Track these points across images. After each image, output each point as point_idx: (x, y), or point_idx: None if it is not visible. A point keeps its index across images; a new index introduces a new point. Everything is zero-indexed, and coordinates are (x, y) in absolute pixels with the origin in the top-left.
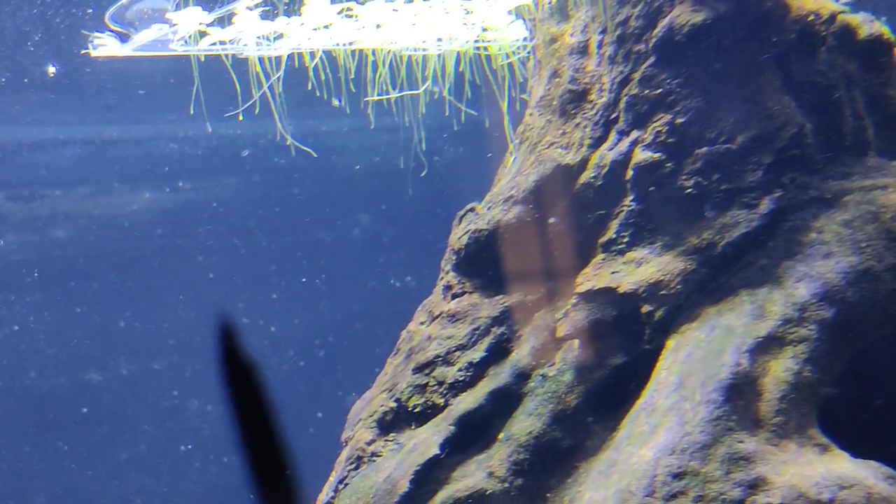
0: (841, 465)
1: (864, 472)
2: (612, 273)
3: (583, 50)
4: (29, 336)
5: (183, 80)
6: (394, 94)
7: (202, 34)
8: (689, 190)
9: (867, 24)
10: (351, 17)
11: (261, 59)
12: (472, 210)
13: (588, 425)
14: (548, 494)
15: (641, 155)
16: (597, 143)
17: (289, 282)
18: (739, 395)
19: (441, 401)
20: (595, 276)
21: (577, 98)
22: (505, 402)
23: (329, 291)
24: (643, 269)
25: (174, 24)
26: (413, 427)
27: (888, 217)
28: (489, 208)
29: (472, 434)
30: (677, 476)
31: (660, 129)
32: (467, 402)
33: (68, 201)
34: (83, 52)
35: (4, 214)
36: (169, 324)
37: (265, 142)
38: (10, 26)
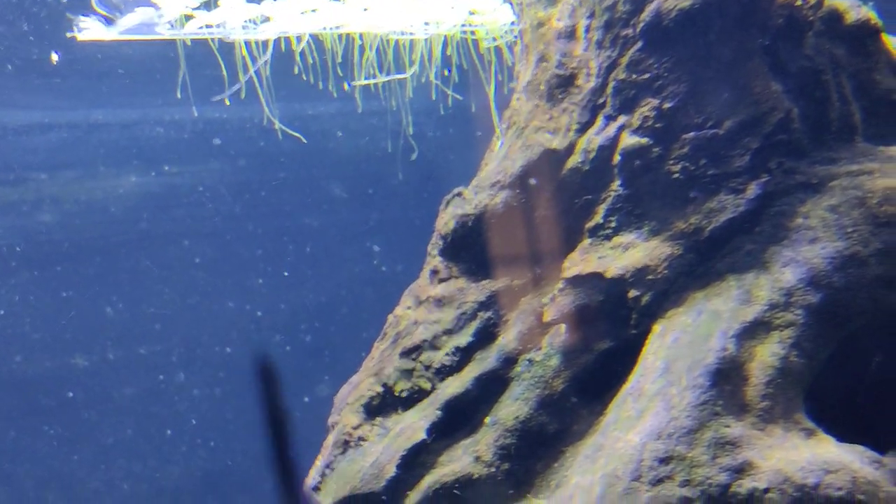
0: (827, 450)
1: (850, 457)
2: (599, 258)
3: (570, 34)
4: (14, 320)
5: (169, 63)
6: (381, 79)
7: (188, 18)
8: (676, 175)
9: (854, 9)
10: (338, 0)
11: (247, 43)
12: (459, 195)
13: (575, 410)
14: (534, 479)
15: (629, 140)
16: (584, 127)
17: (275, 266)
18: (726, 380)
19: (428, 385)
20: (582, 260)
21: (565, 83)
22: (492, 386)
23: (315, 276)
24: (630, 253)
25: (160, 8)
26: (400, 411)
27: (874, 202)
28: (476, 193)
29: (459, 419)
30: (664, 461)
31: (647, 113)
32: (454, 386)
33: (54, 185)
34: (69, 35)
35: None
36: (155, 308)
37: (252, 126)
38: None
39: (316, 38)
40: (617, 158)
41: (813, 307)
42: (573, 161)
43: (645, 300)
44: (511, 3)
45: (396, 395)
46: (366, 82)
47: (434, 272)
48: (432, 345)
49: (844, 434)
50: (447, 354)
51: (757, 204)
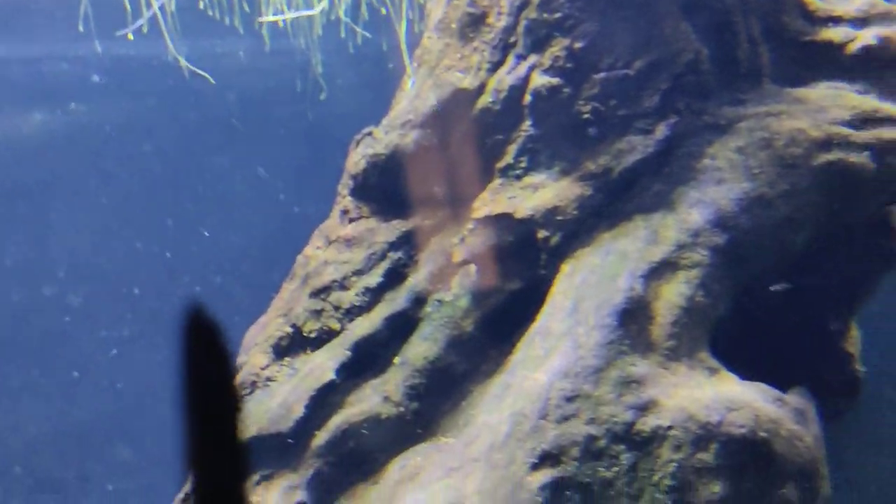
0: (730, 388)
1: (753, 395)
2: (510, 198)
3: None
4: None
5: None
6: (289, 15)
7: None
8: (586, 115)
9: None
10: None
11: None
12: (369, 134)
13: (484, 350)
14: (443, 419)
15: (539, 80)
16: (495, 67)
17: (184, 207)
18: (632, 320)
19: (337, 326)
20: (492, 201)
21: (476, 21)
22: (401, 326)
23: (226, 217)
24: (540, 194)
25: None
26: (309, 352)
27: (781, 144)
28: (387, 133)
29: (368, 359)
30: (570, 399)
31: (558, 53)
32: (363, 327)
33: None
34: None
35: None
36: (60, 249)
37: (158, 63)
38: None
39: None
40: (528, 98)
41: (719, 248)
42: (484, 101)
43: (554, 241)
44: None
45: (305, 335)
46: (273, 18)
47: (344, 212)
48: (342, 285)
49: (749, 374)
50: (357, 294)
51: (665, 145)
